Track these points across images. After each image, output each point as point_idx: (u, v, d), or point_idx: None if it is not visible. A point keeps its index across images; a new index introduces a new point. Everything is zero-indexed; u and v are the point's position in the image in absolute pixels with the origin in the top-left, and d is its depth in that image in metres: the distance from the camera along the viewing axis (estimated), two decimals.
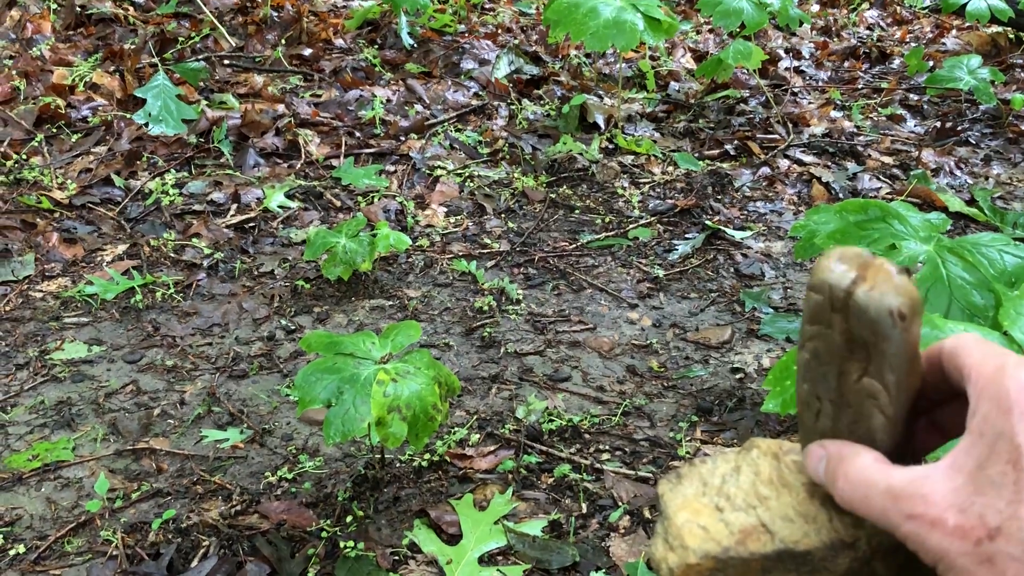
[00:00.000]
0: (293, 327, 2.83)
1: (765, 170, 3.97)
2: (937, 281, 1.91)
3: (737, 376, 2.68)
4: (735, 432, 2.40)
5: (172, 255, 3.12)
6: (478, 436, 2.35)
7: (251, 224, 3.34)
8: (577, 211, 3.63)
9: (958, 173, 4.09)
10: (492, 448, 2.31)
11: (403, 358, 2.03)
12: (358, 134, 3.96)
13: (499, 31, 5.31)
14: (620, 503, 2.13)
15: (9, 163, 3.54)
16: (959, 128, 4.47)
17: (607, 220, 3.56)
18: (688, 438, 2.37)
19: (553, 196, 3.70)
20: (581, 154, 3.94)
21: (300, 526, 2.04)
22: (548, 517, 2.08)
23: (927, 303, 1.88)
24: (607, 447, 2.34)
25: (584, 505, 2.13)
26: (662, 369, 2.69)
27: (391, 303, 2.97)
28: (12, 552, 1.95)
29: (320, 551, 1.97)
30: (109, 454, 2.25)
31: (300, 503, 2.11)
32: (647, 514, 2.10)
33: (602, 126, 4.22)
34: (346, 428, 1.91)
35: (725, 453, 1.11)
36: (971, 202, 3.82)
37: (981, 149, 4.34)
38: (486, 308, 2.94)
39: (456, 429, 2.37)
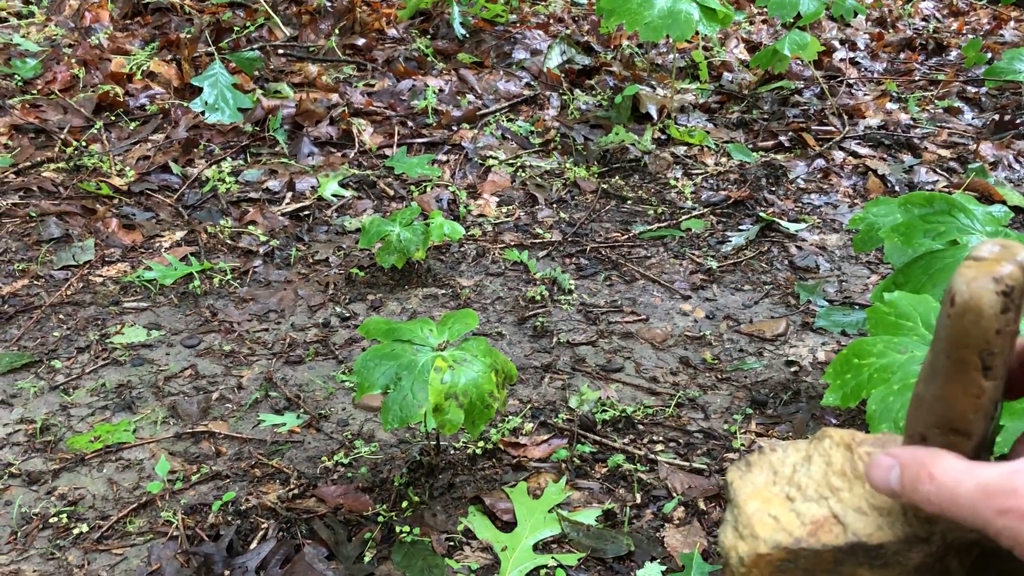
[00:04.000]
0: (348, 314, 2.85)
1: (820, 162, 3.94)
2: None
3: (792, 369, 2.66)
4: (790, 425, 2.39)
5: (229, 242, 3.16)
6: (532, 425, 2.36)
7: (306, 212, 3.37)
8: (629, 202, 3.62)
9: (1017, 167, 4.02)
10: (545, 437, 2.31)
11: (460, 345, 2.03)
12: (411, 124, 3.98)
13: (551, 21, 5.30)
14: (674, 494, 2.13)
15: (69, 150, 3.60)
16: (1018, 121, 4.40)
17: (659, 211, 3.55)
18: (743, 430, 2.36)
19: (605, 187, 3.69)
20: (633, 144, 3.93)
21: (357, 510, 2.06)
22: (602, 506, 2.08)
23: None
24: (661, 438, 2.33)
25: (638, 495, 2.13)
26: (716, 361, 2.68)
27: (444, 292, 2.98)
28: (75, 531, 1.99)
29: (377, 535, 1.99)
30: (169, 437, 2.29)
31: (356, 488, 2.13)
32: (702, 505, 2.10)
33: (655, 116, 4.20)
34: (404, 414, 1.92)
35: (796, 442, 1.10)
36: None
37: None
38: (538, 298, 2.94)
39: (510, 418, 2.37)
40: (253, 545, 1.95)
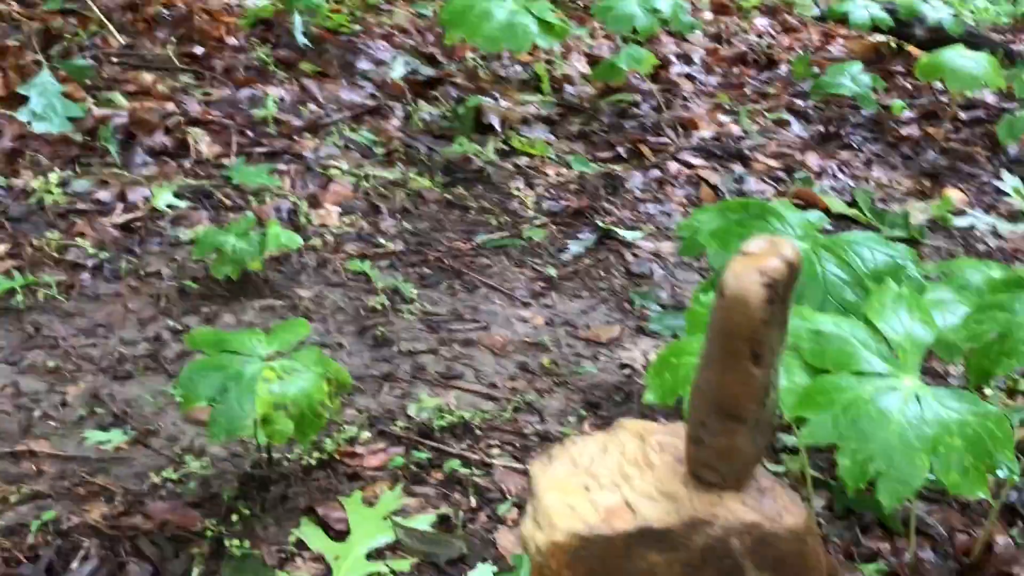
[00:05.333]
0: (180, 328, 2.79)
1: (656, 172, 4.06)
2: (812, 278, 1.99)
3: (625, 372, 2.73)
4: None
5: (55, 255, 3.05)
6: (368, 434, 2.36)
7: (138, 224, 3.28)
8: (472, 212, 3.66)
9: (841, 176, 4.24)
10: (382, 445, 2.32)
11: (291, 355, 2.02)
12: (250, 133, 3.92)
13: (395, 32, 5.31)
14: (508, 496, 2.17)
15: None
16: (842, 132, 4.63)
17: (502, 220, 3.60)
18: (576, 432, 2.41)
19: (449, 197, 3.72)
20: (476, 155, 3.97)
21: (185, 526, 2.02)
22: (437, 512, 2.10)
23: (803, 299, 1.96)
24: (497, 442, 2.37)
25: (473, 499, 2.16)
26: (553, 366, 2.74)
27: (282, 303, 2.95)
28: None
29: (205, 550, 1.96)
30: None
31: (185, 503, 2.08)
32: None
33: (498, 128, 4.26)
34: (231, 426, 1.90)
35: (596, 435, 1.14)
36: (852, 204, 3.96)
37: (863, 153, 4.50)
38: (379, 307, 2.94)
39: (346, 427, 2.37)
40: (74, 565, 1.89)
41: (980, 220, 3.95)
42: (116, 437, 2.29)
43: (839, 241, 2.07)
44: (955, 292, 2.07)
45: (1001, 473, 1.55)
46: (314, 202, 3.56)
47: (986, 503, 2.18)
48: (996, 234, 3.88)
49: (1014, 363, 1.68)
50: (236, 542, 1.97)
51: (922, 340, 1.73)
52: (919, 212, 3.98)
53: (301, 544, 1.99)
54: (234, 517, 2.04)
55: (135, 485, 2.15)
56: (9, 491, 2.09)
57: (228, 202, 3.49)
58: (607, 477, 0.99)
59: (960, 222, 3.93)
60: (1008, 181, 4.27)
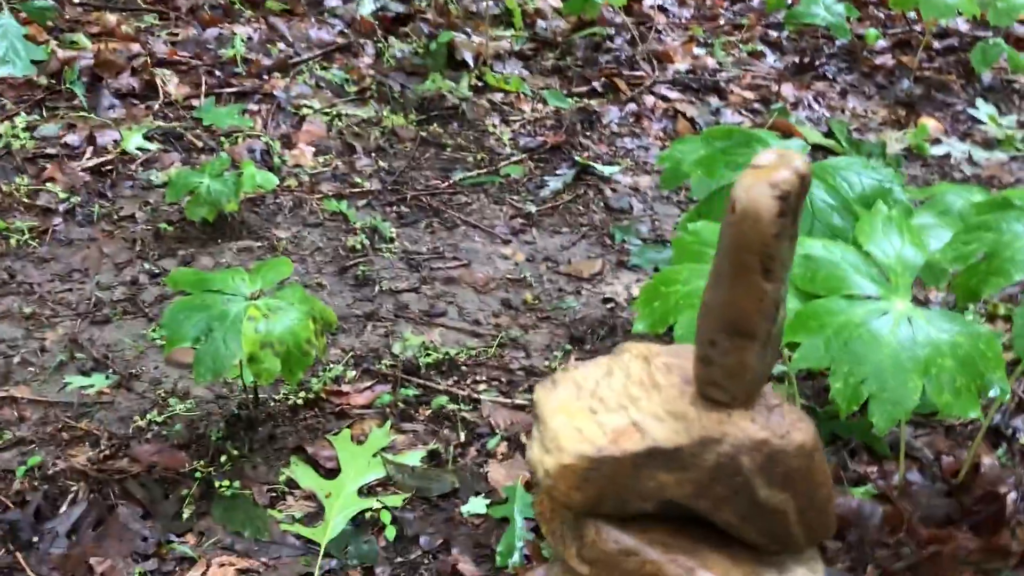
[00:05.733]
0: (157, 271, 2.75)
1: (632, 107, 4.03)
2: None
3: (608, 306, 2.73)
4: None
5: (25, 200, 2.99)
6: (354, 372, 2.35)
7: (109, 167, 3.21)
8: (448, 149, 3.62)
9: (816, 107, 4.23)
10: (369, 384, 2.31)
11: (275, 294, 2.00)
12: (219, 73, 3.85)
13: None
14: (497, 430, 2.17)
15: None
16: (817, 63, 4.61)
17: (479, 158, 3.56)
18: (562, 366, 2.41)
19: (424, 134, 3.67)
20: (451, 92, 3.92)
21: (173, 468, 2.01)
22: (427, 447, 2.10)
23: None
24: (484, 378, 2.36)
25: (462, 434, 2.16)
26: (536, 302, 2.73)
27: (260, 244, 2.91)
28: None
29: (195, 492, 1.95)
30: None
31: (172, 445, 2.07)
32: (523, 439, 2.14)
33: (471, 64, 4.20)
34: (217, 366, 1.88)
35: (598, 359, 1.14)
36: (829, 134, 3.95)
37: (837, 83, 4.49)
38: (359, 247, 2.92)
39: (332, 366, 2.35)
40: (63, 509, 1.88)
41: (956, 148, 3.96)
42: (98, 381, 2.26)
43: (826, 167, 2.07)
44: (937, 217, 2.07)
45: (993, 393, 1.56)
46: (287, 142, 3.51)
47: (970, 426, 2.21)
48: (971, 161, 3.89)
49: (1002, 282, 1.68)
50: (226, 483, 1.96)
51: (913, 263, 1.73)
52: (895, 141, 3.99)
53: (292, 483, 1.99)
54: (223, 458, 2.03)
55: (120, 429, 2.13)
56: None
57: (200, 144, 3.43)
58: (613, 400, 0.98)
59: (936, 150, 3.94)
60: (983, 109, 4.27)
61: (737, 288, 0.88)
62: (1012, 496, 1.96)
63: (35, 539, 1.82)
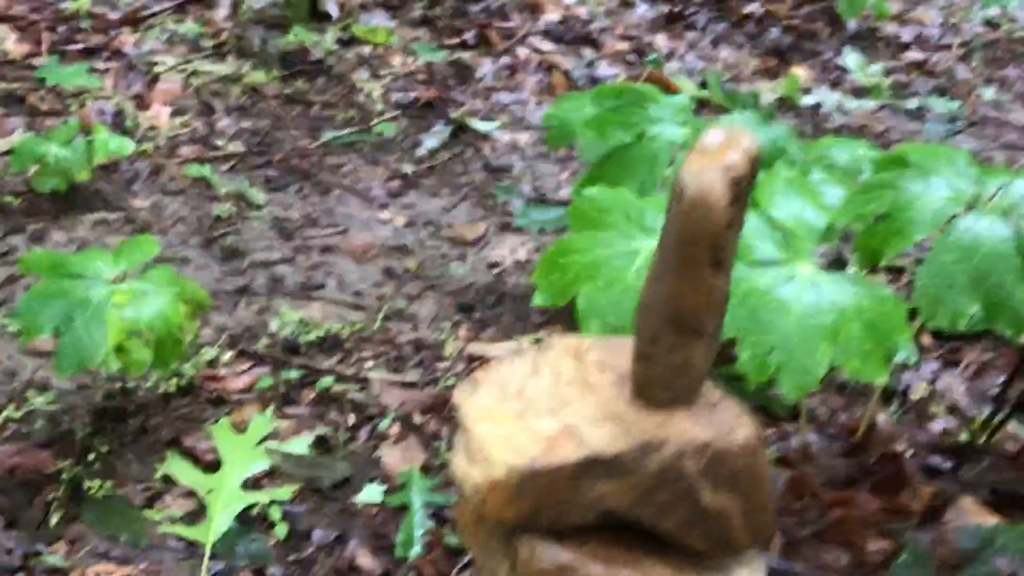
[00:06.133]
0: (5, 249, 2.54)
1: (506, 59, 3.93)
2: None
3: (494, 271, 2.66)
4: (497, 328, 2.39)
5: None
6: (230, 355, 2.21)
7: None
8: (316, 107, 3.46)
9: (689, 58, 4.21)
10: (246, 366, 2.18)
11: (141, 276, 1.85)
12: (62, 29, 3.59)
13: None
14: (388, 411, 2.08)
15: None
16: (687, 13, 4.60)
17: (349, 116, 3.42)
18: (453, 337, 2.34)
19: (288, 92, 3.50)
20: (315, 45, 3.75)
21: (36, 469, 1.85)
22: (314, 433, 2.00)
23: None
24: (370, 354, 2.27)
25: (351, 417, 2.07)
26: (420, 269, 2.63)
27: (116, 216, 2.72)
28: None
29: (62, 495, 1.81)
30: None
31: (33, 445, 1.91)
32: (416, 419, 2.06)
33: (335, 15, 4.03)
34: (81, 357, 1.74)
35: (523, 355, 1.05)
36: (703, 85, 3.95)
37: (708, 33, 4.48)
38: (225, 215, 2.76)
39: (205, 349, 2.21)
40: None
41: (826, 98, 4.01)
42: None
43: (720, 124, 2.02)
44: (824, 172, 2.06)
45: (900, 356, 1.55)
46: (141, 103, 3.30)
47: (862, 386, 2.23)
48: (842, 111, 3.95)
49: (903, 243, 1.67)
50: (96, 483, 1.82)
51: (815, 225, 1.70)
52: (768, 92, 4.01)
53: (169, 480, 1.86)
54: (91, 456, 1.89)
55: None
56: None
57: (44, 107, 3.19)
58: (543, 402, 0.91)
59: (807, 100, 3.98)
60: (850, 57, 4.34)
61: (684, 282, 0.81)
62: (908, 454, 1.99)
63: None
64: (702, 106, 3.79)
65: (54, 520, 1.76)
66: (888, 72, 4.29)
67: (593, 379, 0.93)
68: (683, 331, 0.84)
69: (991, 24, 4.89)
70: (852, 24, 4.62)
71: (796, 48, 4.42)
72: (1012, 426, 2.05)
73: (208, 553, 1.69)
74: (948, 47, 4.61)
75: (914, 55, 4.49)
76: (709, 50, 4.32)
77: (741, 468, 0.90)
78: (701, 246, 0.79)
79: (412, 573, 1.71)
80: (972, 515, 1.80)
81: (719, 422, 0.90)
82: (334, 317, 2.39)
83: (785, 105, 3.96)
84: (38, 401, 2.03)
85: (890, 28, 4.69)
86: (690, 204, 0.77)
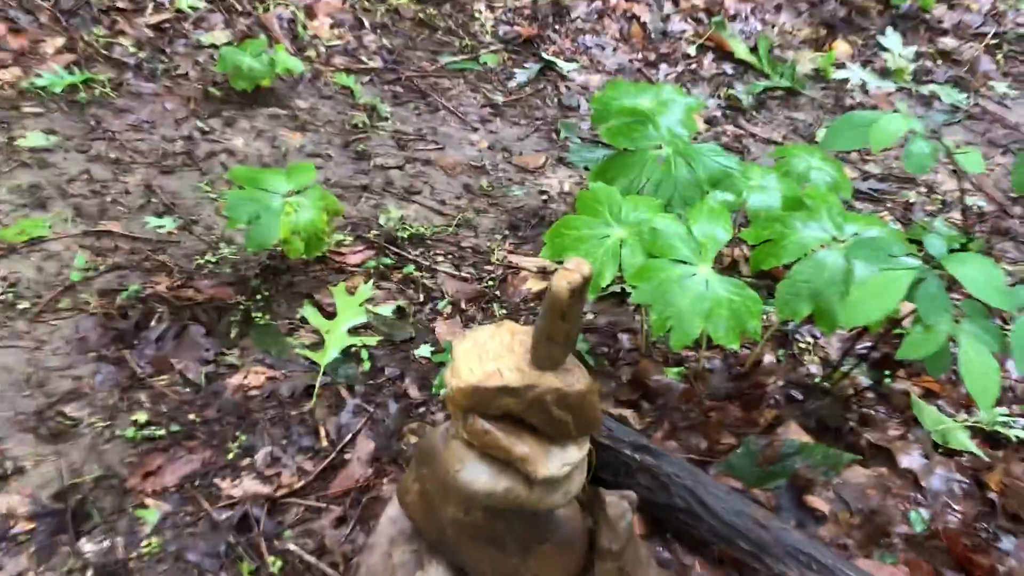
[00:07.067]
0: (207, 129, 3.51)
1: (597, 4, 4.68)
2: (668, 176, 2.79)
3: (543, 198, 3.55)
4: (532, 245, 3.31)
5: (104, 52, 3.70)
6: (350, 238, 3.19)
7: (167, 24, 3.90)
8: (440, 32, 4.30)
9: (751, 20, 4.89)
10: (360, 249, 3.15)
11: (303, 193, 2.81)
12: None
13: None
14: (446, 296, 3.04)
15: None
16: None
17: (464, 44, 4.25)
18: (500, 248, 3.27)
19: (421, 16, 4.34)
20: None
21: (224, 300, 2.87)
22: (396, 303, 2.97)
23: (660, 192, 2.77)
24: (442, 252, 3.21)
25: (421, 296, 3.03)
26: (489, 188, 3.54)
27: (284, 113, 3.67)
28: (19, 306, 2.73)
29: (239, 319, 2.83)
30: (78, 233, 2.99)
31: (222, 283, 2.93)
32: (463, 305, 3.02)
33: None
34: (262, 240, 2.72)
35: (490, 326, 1.99)
36: (754, 49, 4.65)
37: None
38: (360, 124, 3.68)
39: (336, 233, 3.19)
40: (153, 324, 2.76)
41: (855, 74, 4.68)
42: (168, 223, 3.09)
43: (691, 150, 2.85)
44: (779, 178, 2.89)
45: (748, 332, 2.44)
46: (310, 12, 4.18)
47: (769, 334, 3.11)
48: (864, 89, 4.62)
49: (775, 261, 2.53)
50: (260, 314, 2.83)
51: (720, 240, 2.56)
52: (807, 62, 4.69)
53: (303, 320, 2.87)
54: (258, 296, 2.90)
55: (186, 264, 2.98)
56: (98, 261, 2.92)
57: (239, 7, 4.09)
58: (491, 354, 1.84)
59: (838, 74, 4.66)
60: (890, 38, 4.95)
61: (550, 321, 1.71)
62: (776, 384, 2.89)
63: (135, 342, 2.70)
64: (749, 68, 4.52)
65: (232, 334, 2.78)
66: (918, 56, 4.91)
67: (516, 349, 1.85)
68: (549, 341, 1.75)
69: None
70: (905, 4, 5.18)
71: (847, 22, 5.04)
72: (861, 378, 2.93)
73: (322, 370, 2.71)
74: (983, 36, 5.14)
75: (947, 41, 5.06)
76: (771, 15, 4.98)
77: (575, 402, 1.82)
78: (556, 310, 1.69)
79: (439, 404, 2.71)
80: (794, 433, 2.72)
81: (567, 379, 1.81)
82: (423, 219, 3.34)
83: (818, 76, 4.64)
84: (226, 251, 3.04)
85: (938, 11, 5.22)
86: (552, 293, 1.67)
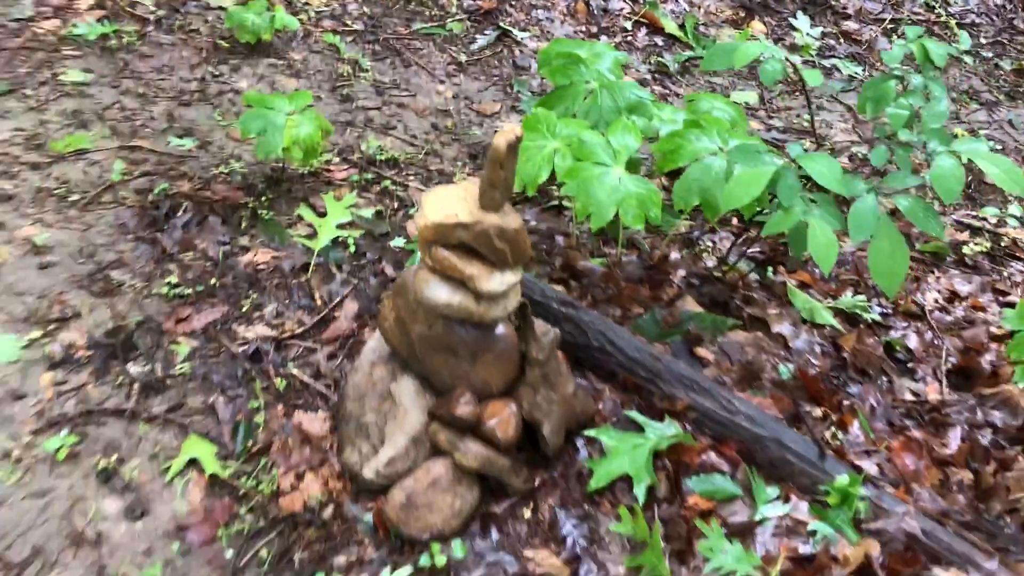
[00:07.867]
0: (217, 73, 4.08)
1: None
2: (595, 105, 3.40)
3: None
4: None
5: (128, 9, 4.25)
6: (338, 159, 3.77)
7: None
8: (413, 3, 4.89)
9: (681, 1, 5.52)
10: (345, 167, 3.74)
11: (301, 112, 3.40)
12: None
13: None
14: (415, 204, 3.63)
15: None
16: None
17: (433, 13, 4.85)
18: (460, 171, 3.87)
19: None
20: None
21: (235, 200, 3.45)
22: (375, 208, 3.56)
23: (588, 116, 3.38)
24: (413, 172, 3.81)
25: (395, 203, 3.62)
26: (454, 127, 4.13)
27: (281, 63, 4.24)
28: (71, 199, 3.28)
29: (247, 215, 3.40)
30: (115, 147, 3.56)
31: (234, 187, 3.50)
32: None
33: None
34: (269, 149, 3.30)
35: (448, 184, 2.58)
36: (682, 26, 5.28)
37: None
38: (345, 74, 4.26)
39: (326, 154, 3.77)
40: (179, 214, 3.33)
41: None
42: (188, 143, 3.66)
43: (613, 84, 3.47)
44: (688, 114, 3.51)
45: (651, 218, 3.05)
46: None
47: (676, 234, 3.73)
48: None
49: (672, 165, 3.15)
50: (265, 212, 3.41)
51: (632, 148, 3.18)
52: (727, 37, 5.32)
53: (300, 218, 3.45)
54: (263, 198, 3.47)
55: (204, 173, 3.55)
56: (133, 168, 3.48)
57: None
58: (452, 202, 2.44)
59: None
60: (800, 20, 5.59)
61: (490, 171, 2.31)
62: (680, 274, 3.51)
63: (165, 227, 3.27)
64: (677, 41, 5.15)
65: (243, 226, 3.35)
66: (823, 36, 5.56)
67: (467, 199, 2.46)
68: (492, 188, 2.35)
69: (929, 6, 6.06)
70: None
71: (763, 6, 5.69)
72: (745, 269, 3.55)
73: (316, 253, 3.29)
74: (882, 21, 5.82)
75: (850, 24, 5.72)
76: None
77: (511, 236, 2.41)
78: (495, 161, 2.29)
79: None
80: (690, 306, 3.34)
81: (506, 220, 2.41)
82: (398, 148, 3.93)
83: None
84: (236, 165, 3.62)
85: None
86: (493, 148, 2.27)
